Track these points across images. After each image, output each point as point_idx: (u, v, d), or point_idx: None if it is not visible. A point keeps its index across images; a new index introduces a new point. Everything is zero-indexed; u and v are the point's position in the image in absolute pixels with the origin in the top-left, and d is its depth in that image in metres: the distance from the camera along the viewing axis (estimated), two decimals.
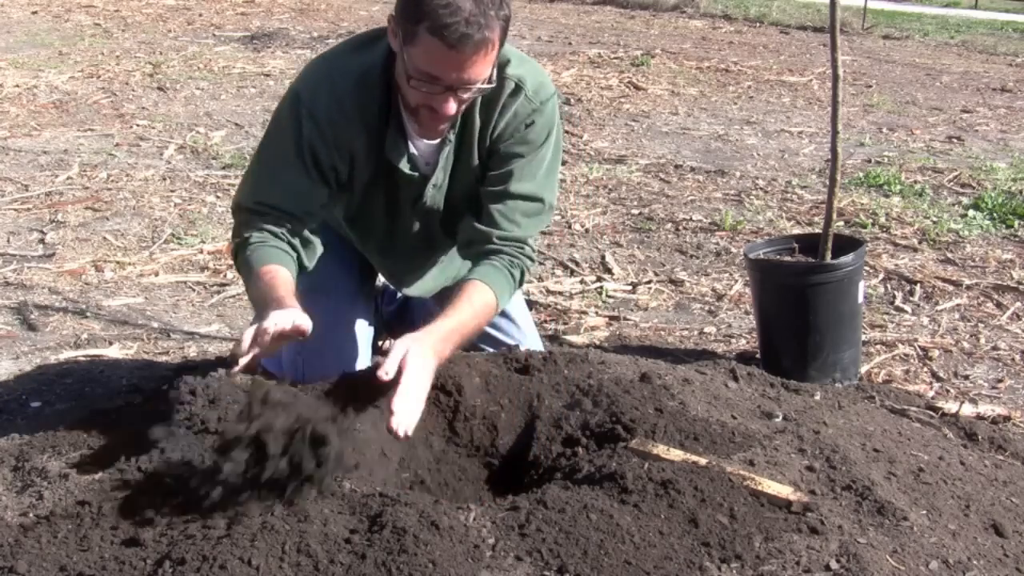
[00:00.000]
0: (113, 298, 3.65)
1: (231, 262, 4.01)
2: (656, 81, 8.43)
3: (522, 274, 2.37)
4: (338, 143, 2.24)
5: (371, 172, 2.32)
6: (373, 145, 2.28)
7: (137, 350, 3.24)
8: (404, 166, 2.31)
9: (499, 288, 2.27)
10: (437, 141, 2.31)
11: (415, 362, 1.97)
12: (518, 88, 2.27)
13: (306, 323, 1.95)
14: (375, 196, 2.37)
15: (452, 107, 2.10)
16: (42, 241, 4.19)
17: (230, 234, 2.30)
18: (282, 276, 2.12)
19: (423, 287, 2.73)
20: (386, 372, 1.93)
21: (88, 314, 3.49)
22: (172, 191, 4.95)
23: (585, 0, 14.61)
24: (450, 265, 2.71)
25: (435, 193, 2.40)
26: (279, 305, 1.98)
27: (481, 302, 2.22)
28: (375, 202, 2.38)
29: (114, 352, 3.21)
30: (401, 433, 1.91)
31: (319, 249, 2.31)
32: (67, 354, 3.18)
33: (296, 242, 2.25)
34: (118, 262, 3.97)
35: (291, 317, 1.93)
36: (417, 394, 1.96)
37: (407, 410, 1.92)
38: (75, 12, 11.20)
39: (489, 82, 2.10)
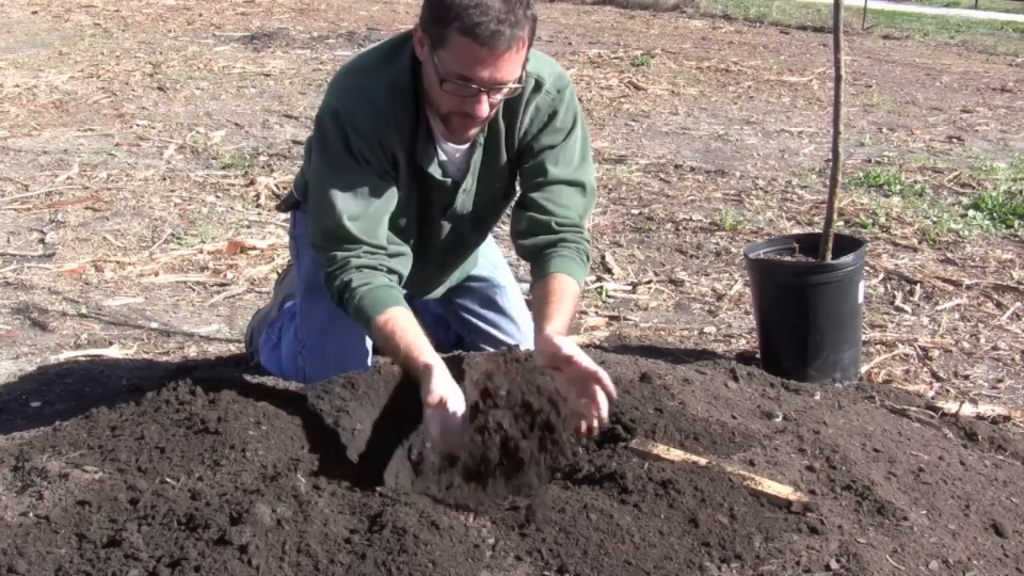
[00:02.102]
0: (113, 298, 3.65)
1: (230, 261, 4.02)
2: (656, 81, 8.43)
3: (588, 258, 2.40)
4: (384, 149, 2.26)
5: (407, 181, 2.34)
6: (408, 153, 2.29)
7: (137, 350, 3.24)
8: (435, 171, 2.33)
9: (576, 275, 2.32)
10: (467, 146, 2.33)
11: (582, 356, 2.09)
12: (538, 84, 2.29)
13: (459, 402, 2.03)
14: (408, 206, 2.38)
15: (485, 109, 2.12)
16: (42, 241, 4.19)
17: (323, 277, 2.26)
18: (403, 321, 2.14)
19: (439, 292, 2.74)
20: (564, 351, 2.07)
21: (88, 314, 3.49)
22: (172, 191, 4.95)
23: (585, 0, 14.61)
24: (463, 267, 2.73)
25: (465, 199, 2.43)
26: (428, 370, 2.03)
27: (572, 292, 2.28)
28: (408, 212, 2.39)
29: (114, 352, 3.21)
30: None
31: (408, 253, 2.32)
32: (67, 354, 3.18)
33: (390, 263, 2.27)
34: (118, 262, 3.97)
35: (455, 394, 2.03)
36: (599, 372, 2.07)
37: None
38: (75, 12, 11.21)
39: (518, 82, 2.12)
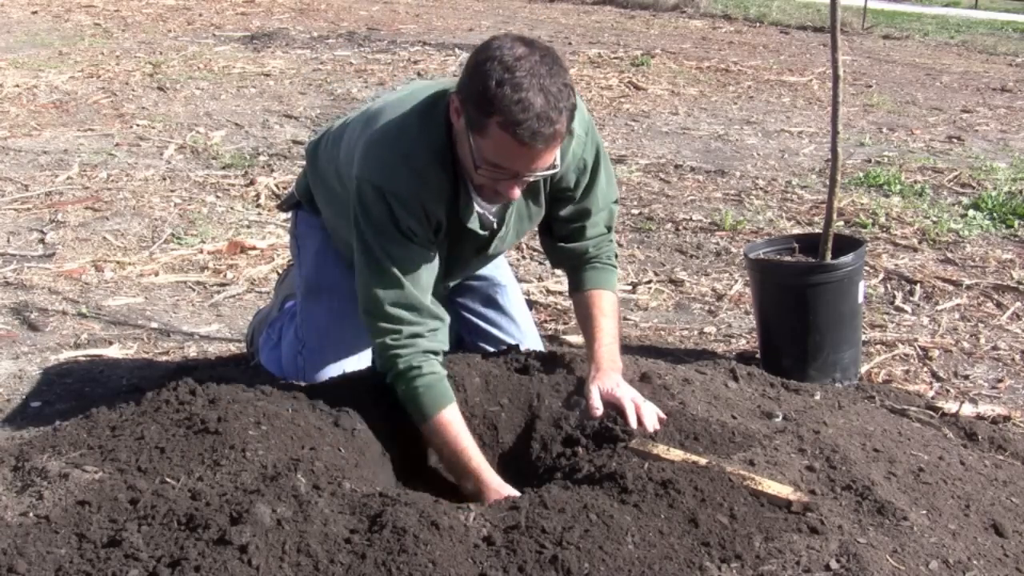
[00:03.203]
0: (113, 298, 3.65)
1: (230, 261, 4.02)
2: (656, 81, 8.43)
3: (616, 257, 2.56)
4: (428, 219, 2.24)
5: (447, 234, 2.34)
6: (448, 211, 2.28)
7: (137, 350, 3.24)
8: (475, 226, 2.34)
9: (612, 285, 2.52)
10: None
11: (622, 387, 2.28)
12: (569, 133, 2.26)
13: None
14: (442, 249, 2.37)
15: (517, 192, 2.14)
16: (42, 241, 4.19)
17: (378, 346, 2.26)
18: (464, 433, 2.22)
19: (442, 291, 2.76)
20: (596, 409, 2.25)
21: (88, 314, 3.49)
22: (172, 191, 4.95)
23: (585, 0, 14.61)
24: (461, 281, 2.75)
25: (499, 243, 2.46)
26: (488, 487, 2.15)
27: (611, 307, 2.47)
28: (440, 253, 2.38)
29: (114, 352, 3.21)
30: (658, 426, 2.22)
31: (447, 319, 2.33)
32: (67, 354, 3.18)
33: (445, 343, 2.29)
34: (118, 262, 3.97)
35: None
36: (645, 404, 2.25)
37: (649, 415, 2.22)
38: (75, 12, 11.21)
39: (553, 167, 2.14)
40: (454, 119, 2.13)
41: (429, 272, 2.27)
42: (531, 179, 2.14)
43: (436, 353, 2.25)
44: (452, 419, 2.20)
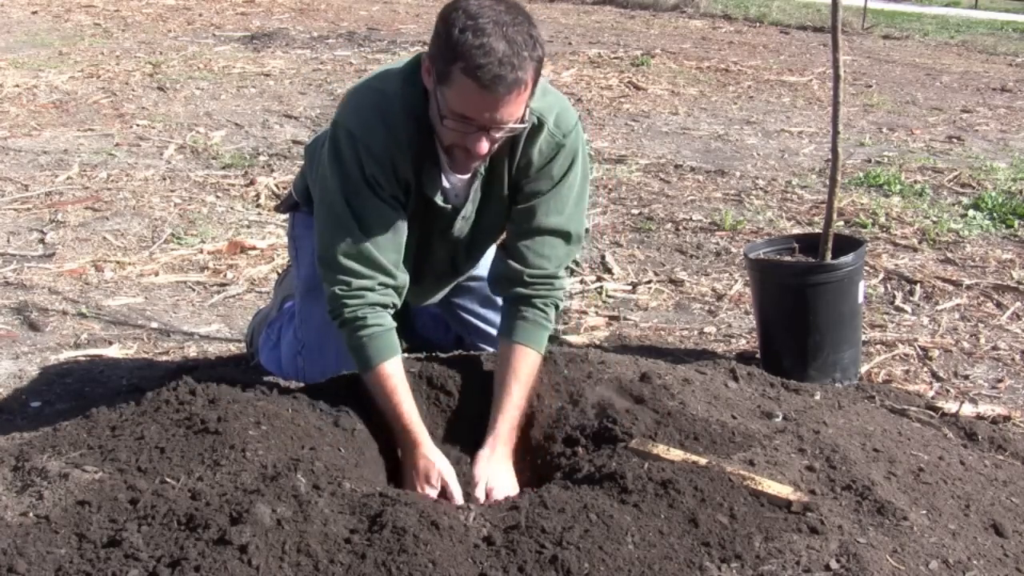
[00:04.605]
0: (113, 298, 3.65)
1: (230, 261, 4.02)
2: (656, 81, 8.43)
3: (556, 310, 2.41)
4: (396, 174, 2.25)
5: (413, 204, 2.34)
6: (416, 177, 2.29)
7: (137, 350, 3.24)
8: (438, 199, 2.33)
9: (539, 343, 2.35)
10: (468, 176, 2.33)
11: (499, 482, 2.20)
12: (540, 123, 2.27)
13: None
14: (412, 228, 2.38)
15: (484, 147, 2.12)
16: (42, 241, 4.19)
17: (329, 295, 2.26)
18: (400, 380, 2.24)
19: (433, 301, 2.75)
20: (478, 499, 2.17)
21: (88, 314, 3.49)
22: (172, 191, 4.95)
23: (585, 0, 14.61)
24: (459, 282, 2.75)
25: (463, 224, 2.44)
26: (416, 444, 2.19)
27: (527, 372, 2.33)
28: (411, 234, 2.39)
29: (114, 352, 3.21)
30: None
31: (406, 281, 2.33)
32: (67, 354, 3.18)
33: (395, 298, 2.29)
34: (118, 262, 3.97)
35: (442, 463, 2.19)
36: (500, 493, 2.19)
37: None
38: (75, 12, 11.21)
39: (521, 122, 2.13)
40: (425, 79, 2.14)
41: (393, 232, 2.27)
42: (499, 135, 2.12)
43: (385, 307, 2.26)
44: (392, 372, 2.22)
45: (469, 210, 2.41)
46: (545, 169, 2.32)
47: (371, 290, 2.24)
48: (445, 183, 2.33)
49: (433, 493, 2.13)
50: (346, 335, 2.25)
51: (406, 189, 2.29)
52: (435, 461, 2.17)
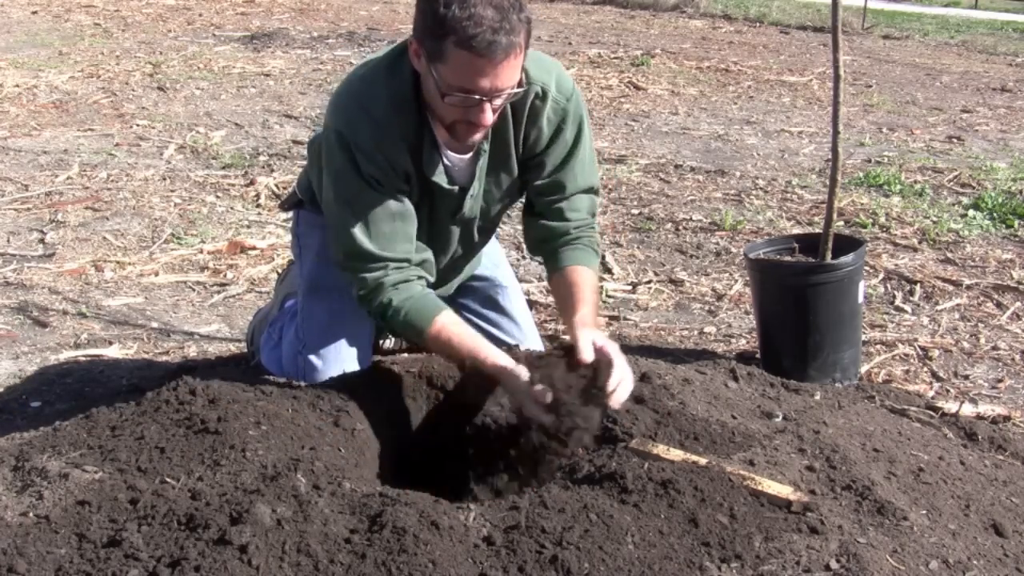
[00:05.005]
0: (113, 298, 3.65)
1: (230, 261, 4.02)
2: (656, 81, 8.43)
3: (598, 248, 2.54)
4: (392, 165, 2.26)
5: (417, 191, 2.35)
6: (415, 164, 2.30)
7: (137, 350, 3.24)
8: (441, 179, 2.34)
9: (595, 265, 2.48)
10: (471, 153, 2.34)
11: (611, 345, 2.17)
12: (544, 93, 2.30)
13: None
14: (419, 214, 2.39)
15: (489, 116, 2.13)
16: (42, 241, 4.19)
17: (356, 297, 2.33)
18: (455, 327, 2.27)
19: (449, 289, 2.75)
20: (585, 354, 2.12)
21: (88, 314, 3.49)
22: (172, 191, 4.95)
23: (585, 0, 14.61)
24: (471, 265, 2.75)
25: (473, 203, 2.45)
26: (503, 372, 2.17)
27: (591, 281, 2.42)
28: (420, 219, 2.40)
29: (114, 352, 3.21)
30: (619, 405, 2.14)
31: (431, 256, 2.38)
32: (67, 354, 3.18)
33: (419, 271, 2.32)
34: (118, 262, 3.97)
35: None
36: (627, 371, 2.16)
37: (624, 387, 2.14)
38: (75, 12, 11.21)
39: (519, 85, 2.14)
40: (415, 63, 2.15)
41: (401, 223, 2.29)
42: (499, 101, 2.13)
43: (407, 281, 2.29)
44: (441, 327, 2.25)
45: (476, 188, 2.41)
46: (559, 138, 2.37)
47: (386, 275, 2.28)
48: (446, 162, 2.34)
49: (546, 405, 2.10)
50: (391, 327, 2.31)
51: (406, 179, 2.30)
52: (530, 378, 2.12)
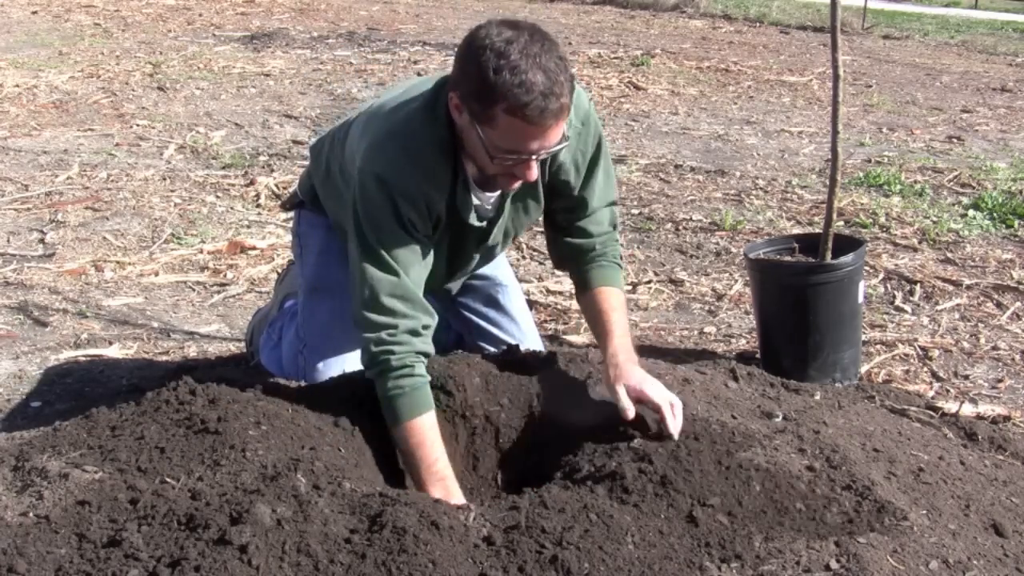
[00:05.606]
0: (113, 298, 3.65)
1: (230, 261, 4.02)
2: (656, 81, 8.43)
3: (622, 257, 2.55)
4: (430, 212, 2.25)
5: (447, 230, 2.35)
6: (449, 206, 2.29)
7: (137, 350, 3.24)
8: (473, 220, 2.35)
9: (621, 284, 2.50)
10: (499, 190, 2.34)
11: (648, 382, 2.22)
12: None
13: None
14: (440, 244, 2.38)
15: (535, 172, 2.15)
16: (42, 241, 4.19)
17: (363, 342, 2.22)
18: (432, 434, 2.18)
19: (451, 288, 2.76)
20: (628, 413, 2.18)
21: (88, 314, 3.49)
22: (172, 191, 4.94)
23: (585, 0, 14.61)
24: (465, 281, 2.75)
25: (498, 233, 2.46)
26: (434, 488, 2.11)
27: (620, 303, 2.44)
28: (439, 249, 2.39)
29: (114, 352, 3.21)
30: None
31: (435, 319, 2.31)
32: (67, 354, 3.18)
33: (427, 346, 2.25)
34: (118, 262, 3.97)
35: None
36: (670, 399, 2.20)
37: (678, 419, 2.17)
38: (75, 12, 11.21)
39: (563, 140, 2.14)
40: (455, 116, 2.13)
41: (423, 268, 2.27)
42: (544, 155, 2.15)
43: (426, 356, 2.25)
44: (425, 425, 2.17)
45: (504, 220, 2.43)
46: (580, 160, 2.37)
47: (418, 334, 2.21)
48: (476, 201, 2.34)
49: None
50: (388, 383, 2.18)
51: (436, 223, 2.29)
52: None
